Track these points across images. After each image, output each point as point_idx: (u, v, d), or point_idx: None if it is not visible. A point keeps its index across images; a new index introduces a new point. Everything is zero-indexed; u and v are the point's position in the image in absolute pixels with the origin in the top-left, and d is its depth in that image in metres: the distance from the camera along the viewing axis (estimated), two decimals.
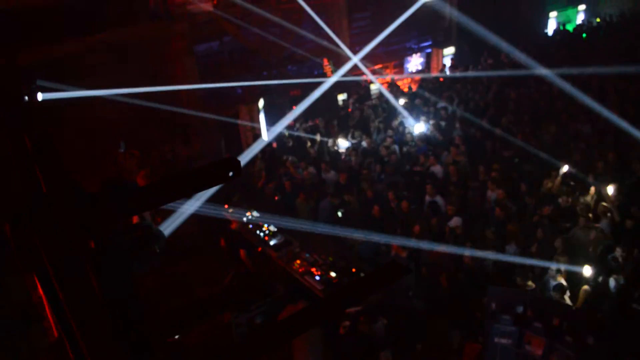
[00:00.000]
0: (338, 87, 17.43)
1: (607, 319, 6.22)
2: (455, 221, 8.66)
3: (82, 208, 1.73)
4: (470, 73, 16.60)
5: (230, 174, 1.82)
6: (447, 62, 18.73)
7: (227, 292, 7.62)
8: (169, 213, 7.92)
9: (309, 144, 12.89)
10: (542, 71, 13.99)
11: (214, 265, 9.22)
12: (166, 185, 1.84)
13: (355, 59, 16.42)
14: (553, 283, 7.16)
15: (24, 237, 1.73)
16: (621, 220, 8.12)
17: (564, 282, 7.15)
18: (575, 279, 7.28)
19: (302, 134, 13.59)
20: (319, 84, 17.64)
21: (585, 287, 7.05)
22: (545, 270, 7.42)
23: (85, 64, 12.19)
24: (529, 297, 6.28)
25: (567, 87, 12.70)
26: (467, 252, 7.83)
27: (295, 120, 14.99)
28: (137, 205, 1.90)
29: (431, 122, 12.97)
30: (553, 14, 22.93)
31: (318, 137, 12.86)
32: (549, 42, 20.04)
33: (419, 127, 12.74)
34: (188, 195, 1.89)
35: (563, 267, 7.24)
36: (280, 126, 13.36)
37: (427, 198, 9.61)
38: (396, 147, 11.96)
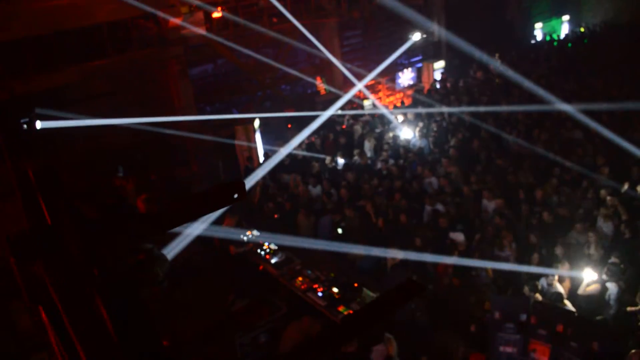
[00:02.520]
0: (332, 104, 17.52)
1: (611, 324, 6.18)
2: (456, 236, 8.59)
3: (88, 239, 1.70)
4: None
5: (235, 196, 1.79)
6: (438, 75, 18.85)
7: (231, 318, 7.54)
8: (172, 236, 7.86)
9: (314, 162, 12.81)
10: (529, 85, 14.11)
11: (215, 287, 9.11)
12: (173, 209, 1.81)
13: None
14: (551, 290, 7.11)
15: (30, 271, 1.70)
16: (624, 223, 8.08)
17: (561, 289, 7.09)
18: (576, 285, 7.23)
19: (300, 152, 13.58)
20: (310, 101, 17.82)
21: (590, 288, 6.95)
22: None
23: (82, 91, 12.26)
24: (532, 304, 6.23)
25: (554, 99, 12.78)
26: (470, 262, 7.79)
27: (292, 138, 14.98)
28: (144, 232, 1.86)
29: (421, 133, 13.06)
30: (538, 25, 23.20)
31: (326, 157, 12.82)
32: (536, 51, 20.22)
33: (413, 141, 12.77)
34: (194, 219, 1.86)
35: (565, 274, 7.19)
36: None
37: (428, 207, 9.59)
38: (391, 161, 11.98)
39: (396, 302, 1.57)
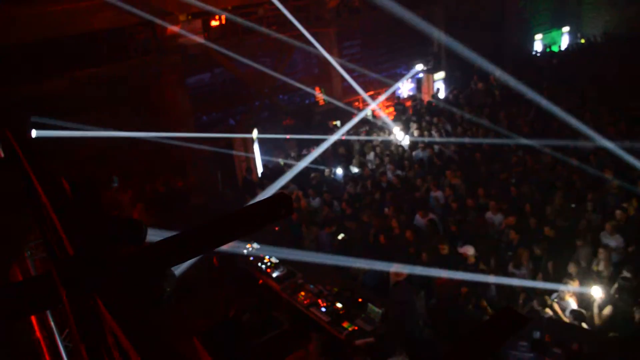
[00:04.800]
0: (331, 115, 17.52)
1: (629, 342, 6.07)
2: (466, 249, 8.49)
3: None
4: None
5: (283, 211, 1.69)
6: (438, 86, 18.90)
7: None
8: None
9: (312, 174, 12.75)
10: (530, 94, 14.14)
11: (216, 300, 8.97)
12: (213, 229, 1.71)
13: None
14: (563, 304, 7.02)
15: (82, 306, 1.55)
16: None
17: (574, 305, 7.01)
18: (587, 301, 7.14)
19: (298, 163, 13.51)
20: (309, 111, 17.76)
21: (606, 312, 6.88)
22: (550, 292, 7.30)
23: (77, 99, 12.12)
24: (546, 322, 6.12)
25: (556, 110, 12.79)
26: (481, 277, 7.68)
27: (291, 149, 14.95)
28: (186, 253, 1.76)
29: (423, 144, 13.03)
30: (538, 37, 23.36)
31: (325, 169, 12.74)
32: (537, 63, 20.33)
33: (415, 152, 12.74)
34: (235, 239, 1.76)
35: (576, 290, 7.10)
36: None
37: (419, 219, 9.51)
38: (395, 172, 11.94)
39: (501, 336, 1.43)
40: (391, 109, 19.06)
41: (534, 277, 7.76)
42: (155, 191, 13.32)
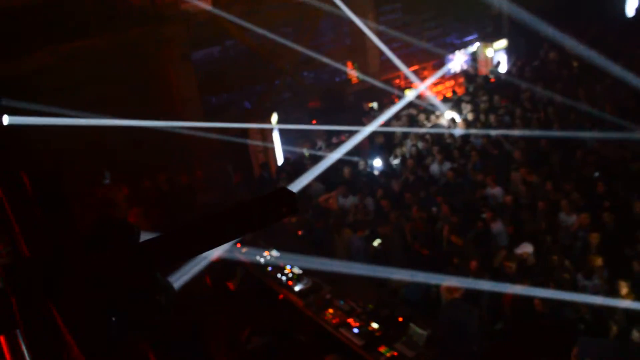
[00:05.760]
0: (366, 95, 17.41)
1: None
2: (524, 248, 8.36)
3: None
4: None
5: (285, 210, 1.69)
6: (499, 58, 18.55)
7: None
8: None
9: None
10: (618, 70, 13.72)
11: (227, 316, 9.04)
12: (203, 228, 1.70)
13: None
14: None
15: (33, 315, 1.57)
16: None
17: None
18: None
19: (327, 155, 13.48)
20: (339, 92, 17.66)
21: None
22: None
23: (60, 78, 12.21)
24: (635, 349, 5.91)
25: None
26: (543, 292, 7.52)
27: (318, 137, 14.91)
28: (157, 262, 1.75)
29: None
30: None
31: (360, 160, 12.68)
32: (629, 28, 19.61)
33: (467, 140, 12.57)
34: (227, 241, 1.78)
35: None
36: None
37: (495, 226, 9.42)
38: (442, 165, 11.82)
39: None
40: (440, 88, 18.86)
41: (610, 291, 7.52)
42: (157, 188, 13.45)
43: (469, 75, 17.98)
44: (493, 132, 12.72)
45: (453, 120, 14.02)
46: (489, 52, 18.75)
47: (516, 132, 12.53)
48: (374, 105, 16.70)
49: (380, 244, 9.69)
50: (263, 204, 1.81)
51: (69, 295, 1.51)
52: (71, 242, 1.96)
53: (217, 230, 1.76)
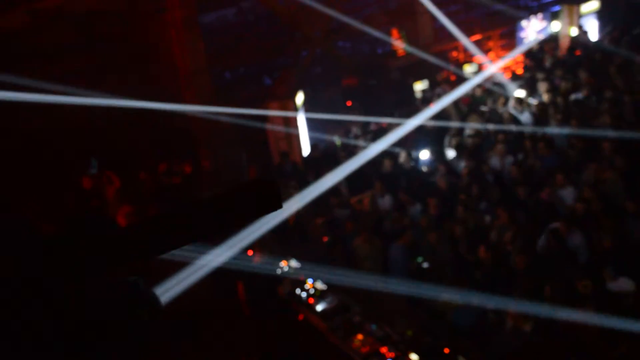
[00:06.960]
0: (414, 71, 17.40)
1: None
2: (621, 284, 8.23)
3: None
4: None
5: (265, 206, 1.72)
6: (588, 24, 18.30)
7: None
8: (176, 266, 7.92)
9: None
10: None
11: (233, 341, 9.23)
12: (163, 223, 1.76)
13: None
14: None
15: None
16: None
17: None
18: None
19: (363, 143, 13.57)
20: (381, 66, 17.69)
21: None
22: None
23: (37, 43, 12.34)
24: None
25: None
26: None
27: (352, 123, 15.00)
28: (120, 256, 1.82)
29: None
30: None
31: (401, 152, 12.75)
32: None
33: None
34: (196, 240, 1.77)
35: None
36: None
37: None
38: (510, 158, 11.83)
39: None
40: (509, 62, 18.75)
41: None
42: (154, 181, 13.66)
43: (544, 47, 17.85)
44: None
45: (521, 101, 13.91)
46: (575, 16, 18.54)
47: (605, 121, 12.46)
48: (425, 83, 16.70)
49: (424, 257, 9.74)
50: (237, 198, 1.79)
51: None
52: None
53: (173, 231, 1.77)
